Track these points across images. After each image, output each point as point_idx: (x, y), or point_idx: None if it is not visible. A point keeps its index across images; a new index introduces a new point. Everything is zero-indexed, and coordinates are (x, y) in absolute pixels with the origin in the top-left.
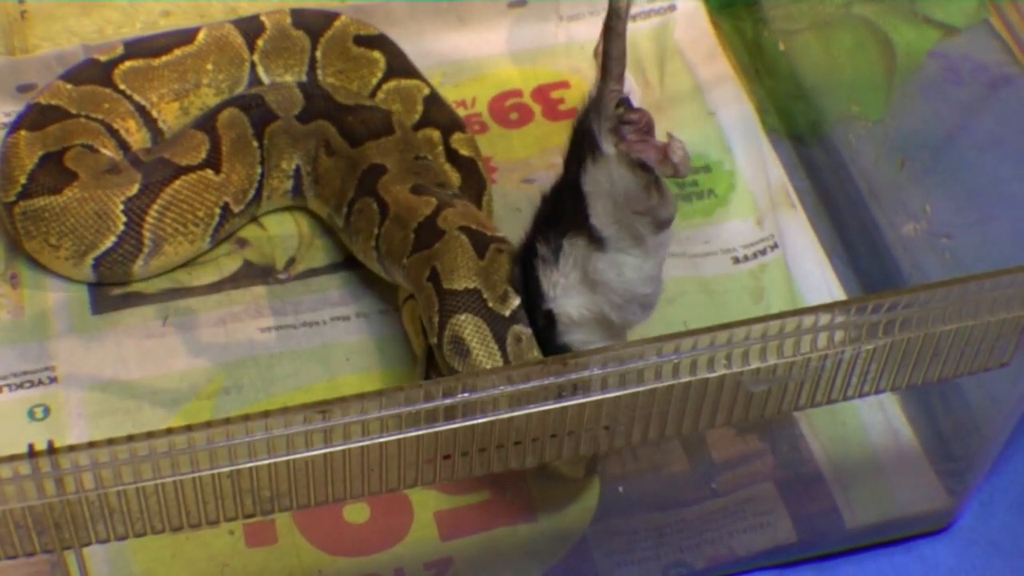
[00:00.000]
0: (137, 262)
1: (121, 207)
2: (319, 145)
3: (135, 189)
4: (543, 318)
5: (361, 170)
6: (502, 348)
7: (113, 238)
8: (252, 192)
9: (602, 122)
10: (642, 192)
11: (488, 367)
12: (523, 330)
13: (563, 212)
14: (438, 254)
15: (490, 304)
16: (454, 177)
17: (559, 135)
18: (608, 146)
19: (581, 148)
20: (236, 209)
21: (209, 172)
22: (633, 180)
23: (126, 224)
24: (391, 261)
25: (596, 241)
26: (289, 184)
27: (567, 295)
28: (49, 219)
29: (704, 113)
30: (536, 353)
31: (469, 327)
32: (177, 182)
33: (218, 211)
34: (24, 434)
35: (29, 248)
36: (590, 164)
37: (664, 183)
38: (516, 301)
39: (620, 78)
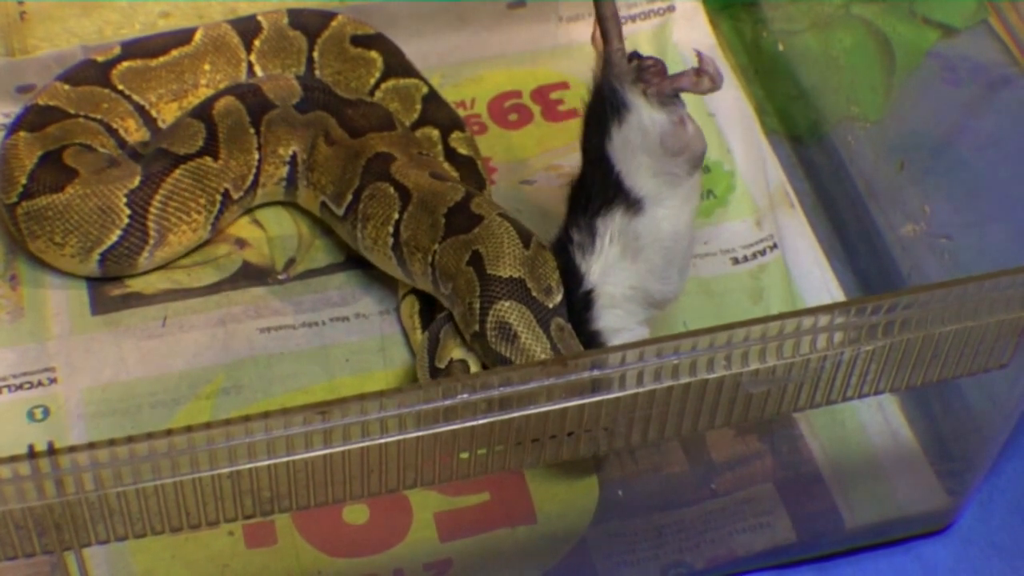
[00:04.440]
0: (143, 255)
1: (124, 200)
2: (318, 134)
3: (136, 181)
4: (580, 301)
5: (366, 158)
6: (547, 335)
7: (118, 232)
8: (250, 178)
9: (622, 78)
10: (677, 128)
11: (537, 351)
12: (564, 322)
13: (591, 195)
14: (480, 239)
15: (534, 294)
16: (453, 176)
17: (559, 136)
18: (635, 96)
19: (602, 119)
20: (235, 196)
21: (208, 159)
22: (666, 119)
23: (130, 217)
24: (413, 247)
25: (634, 205)
26: (284, 171)
27: (607, 274)
28: (53, 218)
29: (703, 114)
30: (576, 343)
31: (515, 313)
32: (177, 171)
33: (219, 197)
34: (24, 435)
35: (34, 248)
36: (615, 129)
37: (690, 116)
38: (559, 296)
39: (620, 37)
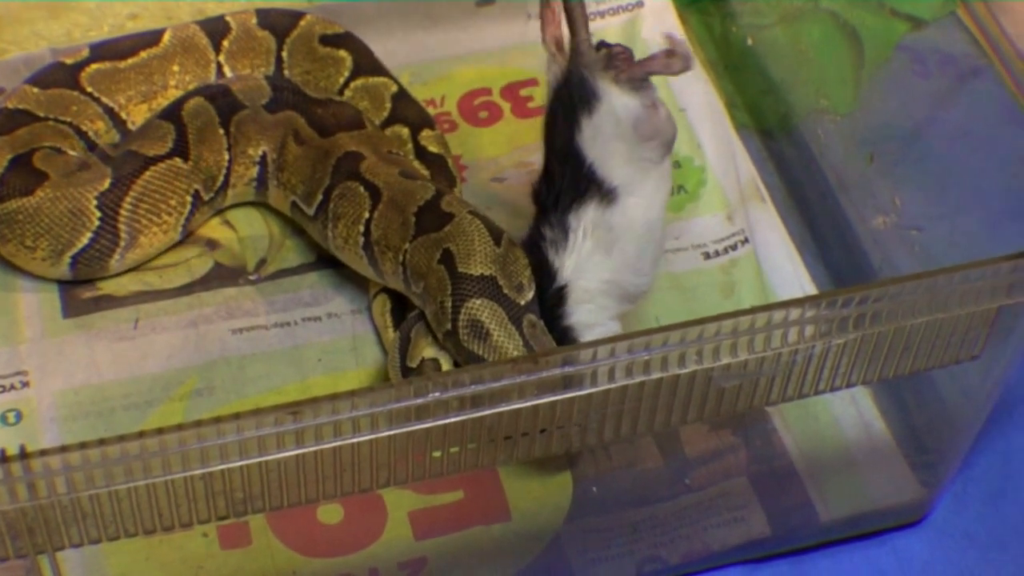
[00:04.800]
0: (114, 257)
1: (95, 203)
2: (287, 134)
3: (107, 184)
4: (553, 297)
5: (336, 157)
6: (520, 332)
7: (89, 234)
8: (221, 179)
9: (591, 67)
10: (649, 112)
11: (510, 348)
12: (536, 319)
13: (561, 191)
14: (451, 237)
15: (505, 291)
16: (423, 174)
17: (529, 133)
18: (605, 84)
19: (571, 111)
20: (206, 197)
21: (178, 160)
22: (638, 104)
23: (101, 219)
24: (384, 246)
25: (607, 196)
26: (254, 171)
27: (581, 268)
28: (23, 221)
29: (674, 110)
30: (549, 339)
31: (486, 311)
32: (147, 173)
33: (189, 199)
34: None
35: (4, 252)
36: (585, 119)
37: (661, 100)
38: (531, 293)
39: (587, 27)
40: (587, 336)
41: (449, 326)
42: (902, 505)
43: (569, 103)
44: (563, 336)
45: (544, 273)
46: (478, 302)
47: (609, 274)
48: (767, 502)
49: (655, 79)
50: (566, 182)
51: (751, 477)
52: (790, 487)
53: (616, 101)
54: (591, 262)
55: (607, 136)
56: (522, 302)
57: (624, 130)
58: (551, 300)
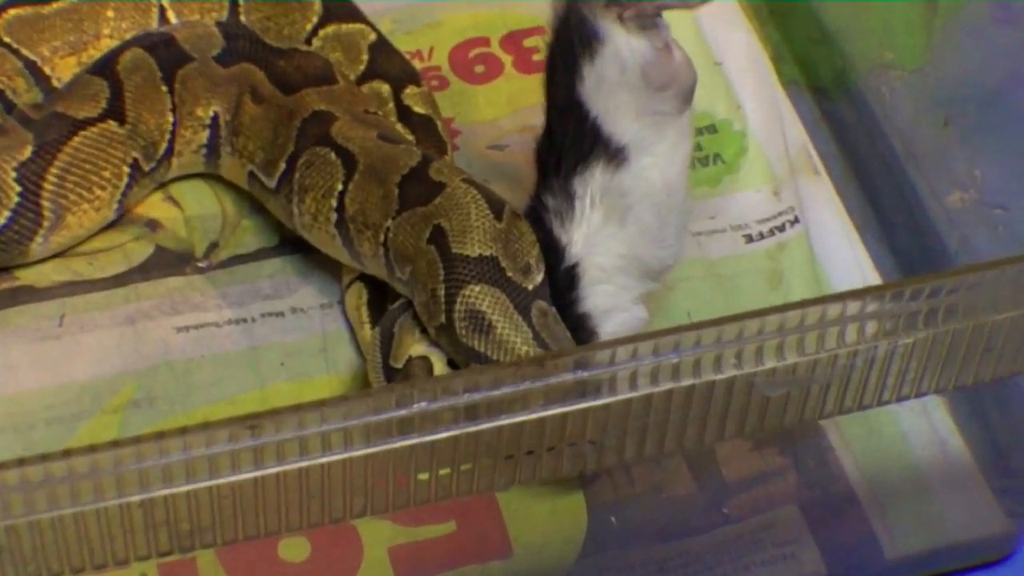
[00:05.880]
0: (36, 239)
1: (13, 175)
2: (243, 91)
3: (28, 152)
4: (564, 279)
5: (301, 118)
6: (528, 322)
7: (7, 213)
8: (164, 146)
9: (592, 4)
10: (661, 56)
11: (517, 343)
12: (547, 306)
13: (563, 151)
14: (442, 211)
15: (509, 274)
16: (407, 139)
17: (534, 91)
18: (608, 23)
19: (571, 56)
20: (146, 167)
21: (112, 124)
22: (647, 46)
23: (21, 195)
24: (361, 224)
25: (615, 156)
26: (204, 136)
27: (592, 243)
28: None
29: (709, 63)
30: (563, 330)
31: (488, 299)
32: (76, 138)
33: (127, 170)
34: None
35: None
36: (587, 66)
37: (675, 41)
38: (540, 275)
39: None
40: (607, 324)
41: (443, 318)
42: (984, 540)
43: (568, 47)
44: (578, 325)
45: (550, 251)
46: (477, 288)
47: (626, 248)
48: (821, 536)
49: (680, 24)
50: (568, 141)
51: (802, 505)
52: (849, 517)
53: (622, 43)
54: (603, 234)
55: (612, 85)
56: (530, 287)
57: (632, 77)
58: (561, 283)
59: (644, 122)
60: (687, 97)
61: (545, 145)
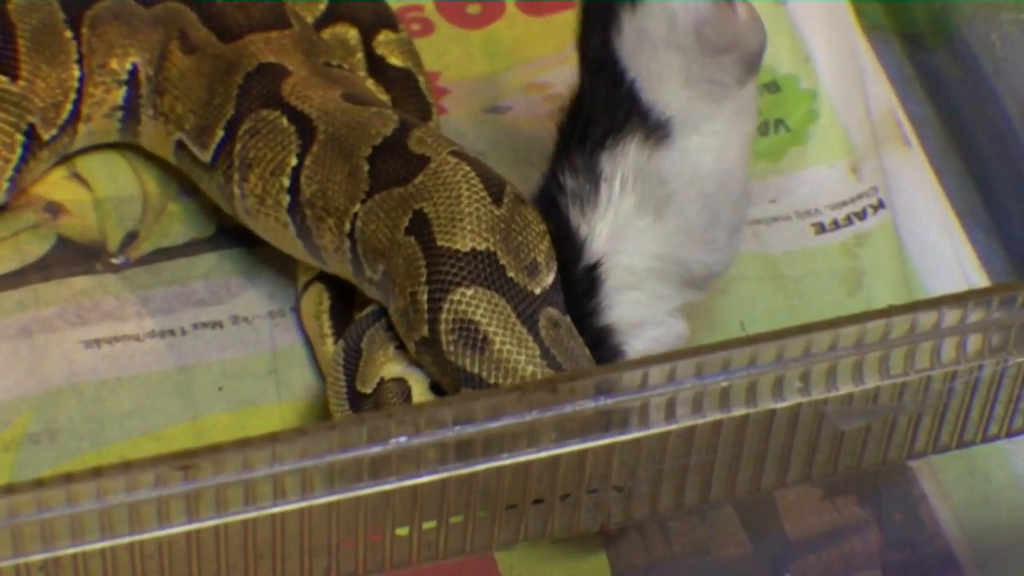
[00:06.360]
0: None
1: None
2: (170, 38)
3: None
4: (582, 282)
5: (244, 72)
6: (534, 335)
7: None
8: (69, 108)
9: None
10: (722, 11)
11: (520, 361)
12: (560, 315)
13: (591, 119)
14: (425, 192)
15: (511, 274)
16: (380, 100)
17: (544, 38)
18: None
19: (607, 2)
20: (46, 136)
21: (3, 80)
22: None
23: None
24: (321, 209)
25: (656, 131)
26: (120, 95)
27: (621, 237)
28: None
29: (768, 2)
30: (579, 346)
31: (483, 305)
32: None
33: (20, 138)
34: None
35: None
36: (627, 16)
37: None
38: (550, 277)
39: None
40: (636, 340)
41: (426, 330)
42: None
43: None
44: (599, 340)
45: (566, 245)
46: (469, 292)
47: (663, 247)
48: None
49: None
50: (598, 107)
51: (887, 570)
52: None
53: None
54: (635, 228)
55: (656, 43)
56: (537, 290)
57: (682, 37)
58: (579, 286)
59: (694, 92)
60: (752, 65)
61: (572, 111)
